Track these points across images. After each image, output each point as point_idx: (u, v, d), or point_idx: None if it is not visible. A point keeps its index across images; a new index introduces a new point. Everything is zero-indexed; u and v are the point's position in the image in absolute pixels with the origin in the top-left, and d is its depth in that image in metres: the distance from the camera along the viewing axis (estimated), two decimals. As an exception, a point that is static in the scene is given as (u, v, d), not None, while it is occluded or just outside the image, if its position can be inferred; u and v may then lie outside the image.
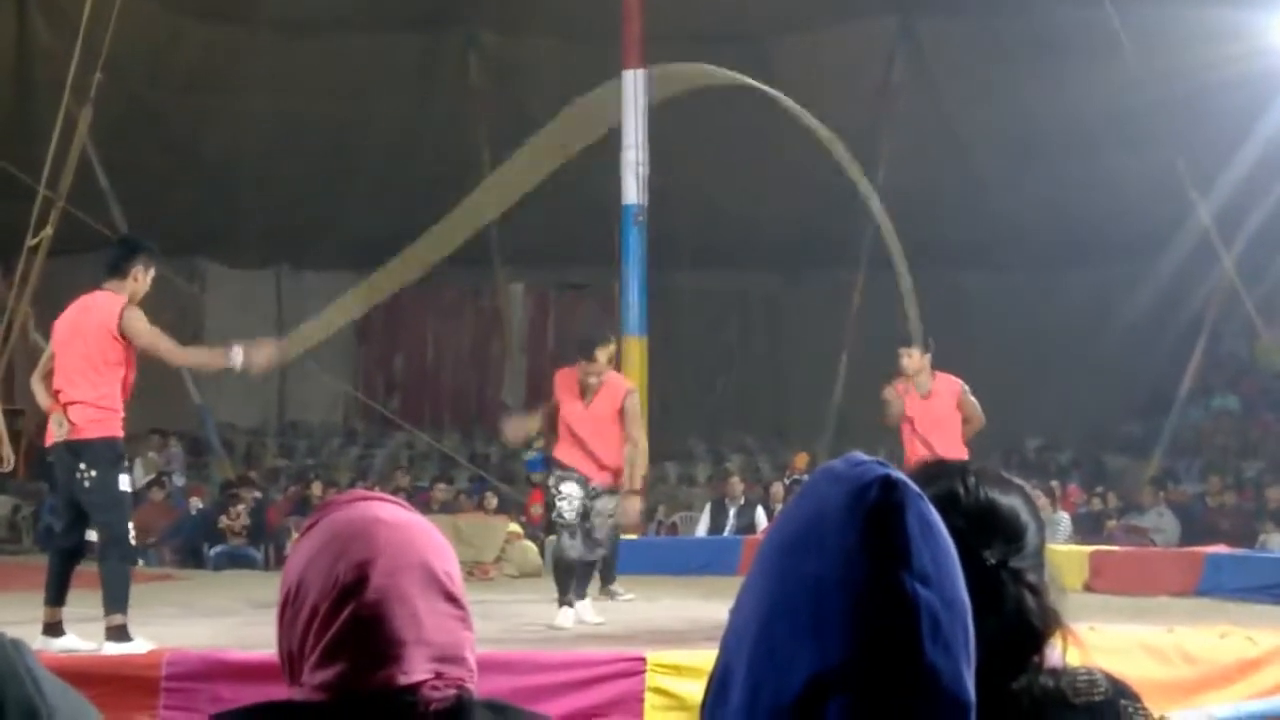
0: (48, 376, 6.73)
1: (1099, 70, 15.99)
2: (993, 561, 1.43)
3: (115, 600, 6.30)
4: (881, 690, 1.06)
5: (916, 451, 8.78)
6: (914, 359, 8.93)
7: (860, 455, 1.16)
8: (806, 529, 1.12)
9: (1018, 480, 1.60)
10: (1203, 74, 15.48)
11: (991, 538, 1.44)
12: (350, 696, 1.38)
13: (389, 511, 1.47)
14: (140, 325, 6.47)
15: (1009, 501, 1.51)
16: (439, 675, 1.40)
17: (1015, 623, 1.42)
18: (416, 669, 1.39)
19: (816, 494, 1.14)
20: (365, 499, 1.50)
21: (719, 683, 1.15)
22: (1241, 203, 15.68)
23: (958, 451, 8.73)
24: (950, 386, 8.96)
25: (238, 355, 6.70)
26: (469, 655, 1.45)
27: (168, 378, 16.76)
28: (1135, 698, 1.53)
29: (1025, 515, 1.51)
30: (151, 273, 6.69)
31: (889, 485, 1.11)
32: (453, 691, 1.41)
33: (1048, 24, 16.94)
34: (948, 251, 20.01)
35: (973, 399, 8.97)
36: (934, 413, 8.87)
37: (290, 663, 1.43)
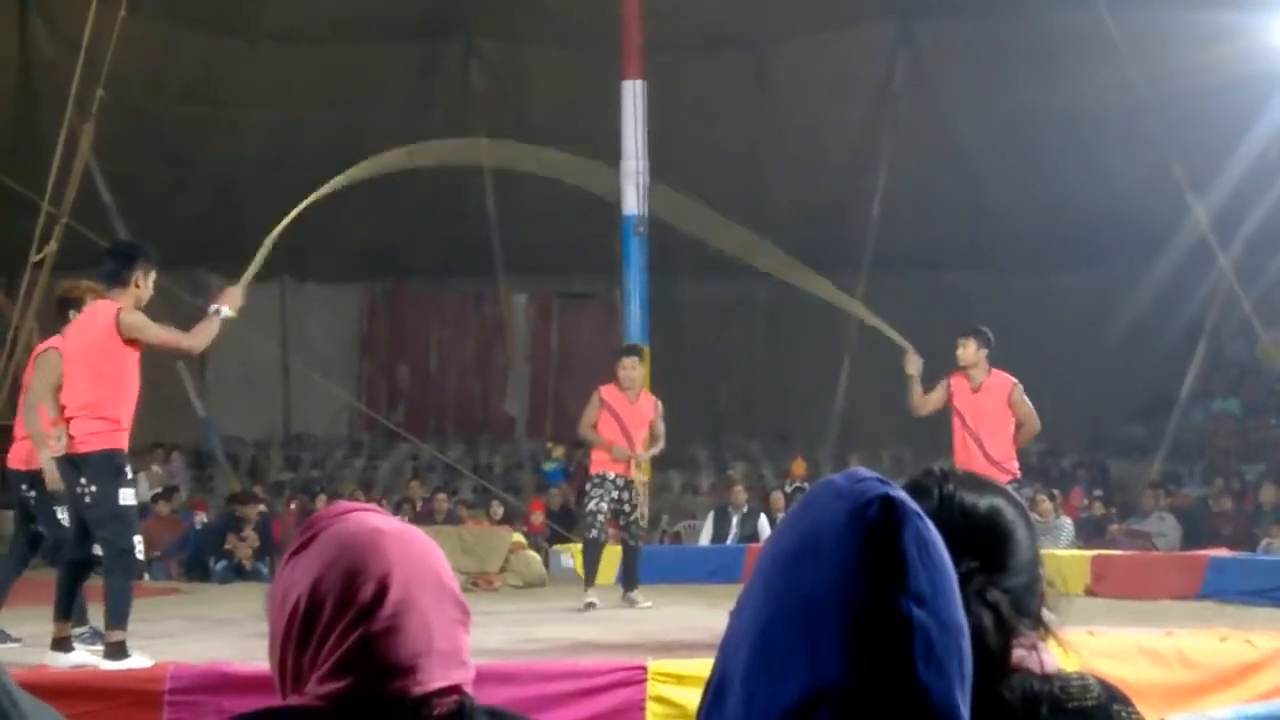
0: (55, 390, 6.72)
1: (1095, 73, 15.99)
2: None
3: (116, 616, 6.19)
4: (873, 709, 1.07)
5: (964, 446, 8.70)
6: (968, 350, 8.79)
7: (862, 471, 1.16)
8: (805, 543, 1.13)
9: (1004, 486, 1.61)
10: (1198, 76, 15.48)
11: (961, 552, 1.43)
12: (357, 702, 1.39)
13: (385, 521, 1.48)
14: (140, 320, 6.42)
15: (988, 510, 1.51)
16: (450, 685, 1.42)
17: (972, 640, 1.43)
18: (433, 678, 1.41)
19: (817, 508, 1.15)
20: (355, 510, 1.49)
21: (715, 690, 1.16)
22: (1239, 204, 15.66)
23: (1006, 450, 8.70)
24: (1001, 384, 8.80)
25: (223, 309, 6.70)
26: (468, 657, 1.47)
27: (172, 391, 16.80)
28: (1128, 702, 1.53)
29: (1007, 523, 1.52)
30: (152, 276, 6.61)
31: (889, 505, 1.12)
32: (454, 697, 1.43)
33: (1045, 27, 16.95)
34: (947, 253, 20.03)
35: (1025, 400, 8.78)
36: (981, 408, 8.74)
37: (296, 675, 1.43)
